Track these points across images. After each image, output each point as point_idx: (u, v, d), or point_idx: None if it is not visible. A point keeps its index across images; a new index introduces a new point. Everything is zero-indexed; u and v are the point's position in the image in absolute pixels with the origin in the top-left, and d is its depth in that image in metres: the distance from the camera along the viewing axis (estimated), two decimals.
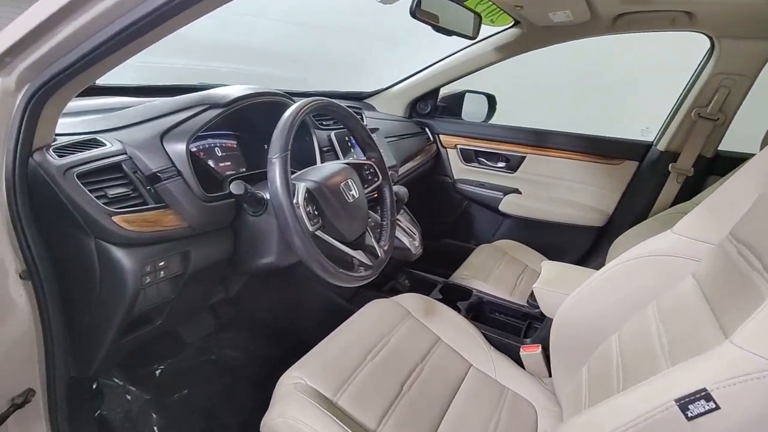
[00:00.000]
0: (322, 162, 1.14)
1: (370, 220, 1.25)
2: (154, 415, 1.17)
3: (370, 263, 0.94)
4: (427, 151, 1.98)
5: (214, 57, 2.23)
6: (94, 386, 1.01)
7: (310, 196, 0.86)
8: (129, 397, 1.15)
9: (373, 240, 1.01)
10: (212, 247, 0.91)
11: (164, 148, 0.83)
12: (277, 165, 0.78)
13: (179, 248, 0.85)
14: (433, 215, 2.05)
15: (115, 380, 1.15)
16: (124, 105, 0.97)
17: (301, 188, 0.84)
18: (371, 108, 1.98)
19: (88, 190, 0.72)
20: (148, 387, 1.20)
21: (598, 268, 1.07)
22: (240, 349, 1.45)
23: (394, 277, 1.47)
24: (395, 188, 1.27)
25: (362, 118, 1.53)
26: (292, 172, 0.97)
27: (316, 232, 0.86)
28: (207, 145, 1.05)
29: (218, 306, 1.29)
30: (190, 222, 0.84)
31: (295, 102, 0.91)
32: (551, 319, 1.02)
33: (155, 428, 1.16)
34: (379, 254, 0.99)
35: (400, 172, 1.64)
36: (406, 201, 1.30)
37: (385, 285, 1.46)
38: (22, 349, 0.78)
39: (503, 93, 2.12)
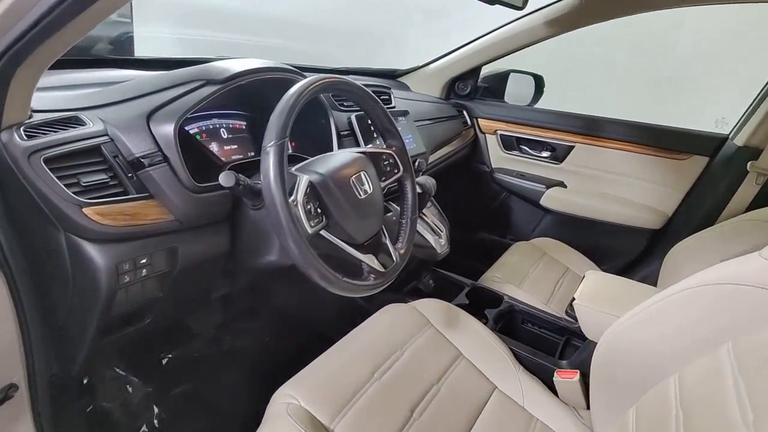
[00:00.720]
0: (339, 149, 1.01)
1: (390, 214, 1.12)
2: (156, 408, 1.12)
3: (382, 269, 0.81)
4: (464, 136, 1.81)
5: (237, 29, 2.12)
6: (85, 382, 0.95)
7: (313, 191, 0.73)
8: (130, 389, 1.10)
9: (388, 241, 0.88)
10: (204, 242, 0.81)
11: (150, 130, 0.73)
12: (271, 155, 0.66)
13: (164, 244, 0.75)
14: (466, 207, 1.90)
15: (117, 370, 1.10)
16: (124, 79, 0.87)
17: (303, 181, 0.72)
18: (405, 87, 1.82)
19: (58, 177, 0.63)
20: (152, 378, 1.14)
21: (648, 277, 0.91)
22: (254, 340, 1.38)
23: (417, 277, 1.34)
24: (421, 179, 1.13)
25: (390, 99, 1.38)
26: (302, 159, 0.85)
27: (321, 232, 0.74)
28: (210, 126, 0.94)
29: (228, 297, 1.21)
30: (177, 215, 0.74)
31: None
32: (594, 341, 0.88)
33: (155, 422, 1.10)
34: (394, 258, 0.86)
35: (430, 160, 1.49)
36: (434, 193, 1.16)
37: (406, 285, 1.34)
38: (3, 343, 0.72)
39: (552, 73, 1.90)
